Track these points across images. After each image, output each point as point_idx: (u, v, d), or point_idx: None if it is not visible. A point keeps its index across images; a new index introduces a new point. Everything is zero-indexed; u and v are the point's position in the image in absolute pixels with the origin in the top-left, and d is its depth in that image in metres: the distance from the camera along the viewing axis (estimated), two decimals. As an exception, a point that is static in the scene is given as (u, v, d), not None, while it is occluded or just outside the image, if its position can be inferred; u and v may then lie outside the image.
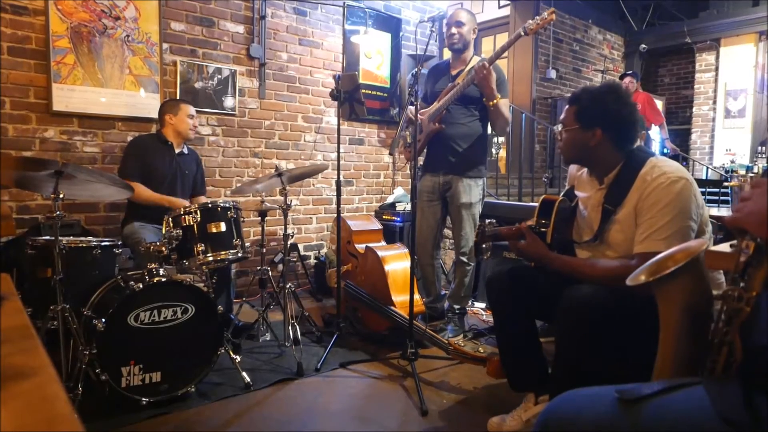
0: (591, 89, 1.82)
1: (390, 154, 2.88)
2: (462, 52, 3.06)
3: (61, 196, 2.10)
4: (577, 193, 1.99)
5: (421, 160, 3.26)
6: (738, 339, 0.86)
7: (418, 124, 2.74)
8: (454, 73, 3.09)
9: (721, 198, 5.15)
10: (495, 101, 2.89)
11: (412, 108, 2.75)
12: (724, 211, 3.59)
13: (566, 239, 1.95)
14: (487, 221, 2.01)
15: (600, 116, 1.75)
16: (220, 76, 3.76)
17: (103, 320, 2.04)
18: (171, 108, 3.09)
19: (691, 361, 1.03)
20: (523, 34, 2.71)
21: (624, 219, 1.72)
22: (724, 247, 1.28)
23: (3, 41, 2.97)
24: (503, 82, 3.03)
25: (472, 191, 3.06)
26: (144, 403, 2.10)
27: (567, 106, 1.85)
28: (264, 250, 3.08)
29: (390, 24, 4.74)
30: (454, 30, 3.00)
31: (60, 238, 2.14)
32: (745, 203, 0.88)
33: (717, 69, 7.36)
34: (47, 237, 2.46)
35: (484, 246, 1.97)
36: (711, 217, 1.81)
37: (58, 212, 2.09)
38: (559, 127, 1.87)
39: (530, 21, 2.68)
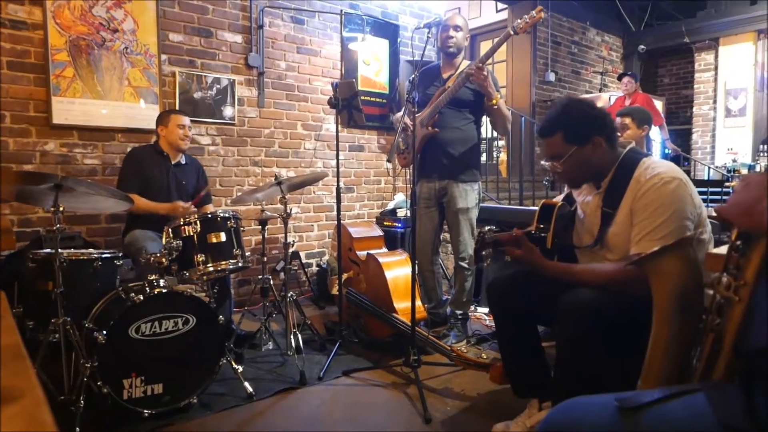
0: (561, 113, 1.78)
1: (388, 161, 2.88)
2: (455, 56, 3.07)
3: (61, 209, 2.11)
4: (576, 197, 1.98)
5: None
6: (732, 332, 0.86)
7: (413, 129, 2.74)
8: (444, 76, 3.09)
9: (724, 198, 5.13)
10: (496, 100, 2.89)
11: (400, 114, 2.75)
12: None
13: (567, 244, 1.94)
14: (487, 228, 2.00)
15: (591, 125, 1.75)
16: (219, 86, 3.77)
17: (104, 332, 2.04)
18: (162, 119, 3.10)
19: (681, 348, 1.04)
20: (512, 33, 2.73)
21: (622, 221, 1.72)
22: (725, 249, 1.27)
23: (2, 56, 2.98)
24: (495, 82, 3.04)
25: (468, 196, 3.05)
26: (146, 415, 2.10)
27: (546, 140, 1.81)
28: (265, 259, 3.08)
29: (388, 30, 4.75)
30: (452, 33, 3.01)
31: (60, 250, 2.15)
32: (731, 196, 0.91)
33: (716, 68, 7.35)
34: (48, 250, 2.46)
35: (484, 253, 1.96)
36: (711, 218, 1.79)
37: (58, 225, 2.12)
38: (547, 163, 1.84)
39: (518, 20, 2.69)
